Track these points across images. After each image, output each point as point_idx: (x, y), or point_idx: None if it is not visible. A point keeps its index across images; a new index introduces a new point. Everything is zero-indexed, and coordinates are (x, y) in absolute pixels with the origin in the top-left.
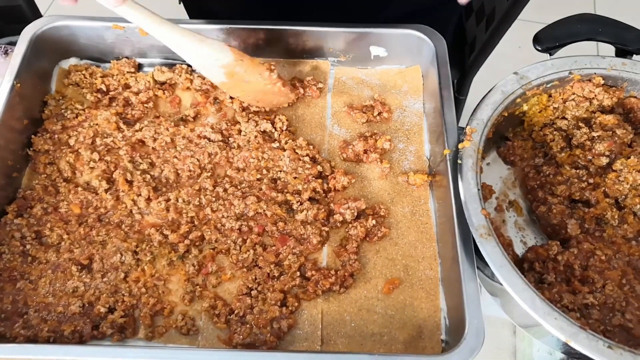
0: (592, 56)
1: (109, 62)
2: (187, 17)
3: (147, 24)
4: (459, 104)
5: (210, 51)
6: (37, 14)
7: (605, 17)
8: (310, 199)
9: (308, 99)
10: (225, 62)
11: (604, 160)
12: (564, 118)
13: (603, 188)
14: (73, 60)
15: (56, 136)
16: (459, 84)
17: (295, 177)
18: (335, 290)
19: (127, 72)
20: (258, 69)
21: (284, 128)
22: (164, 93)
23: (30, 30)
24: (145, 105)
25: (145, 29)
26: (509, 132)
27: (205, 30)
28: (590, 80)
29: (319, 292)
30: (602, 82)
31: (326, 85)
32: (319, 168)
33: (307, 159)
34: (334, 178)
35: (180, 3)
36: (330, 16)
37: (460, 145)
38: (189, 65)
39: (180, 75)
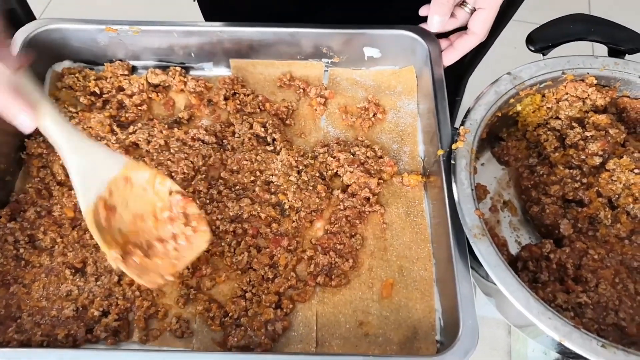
0: (585, 56)
1: (103, 64)
2: (199, 15)
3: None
4: (455, 105)
5: (98, 152)
6: (31, 18)
7: (598, 17)
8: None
9: (303, 99)
10: (111, 175)
11: (597, 160)
12: (557, 118)
13: (596, 188)
14: (66, 63)
15: None
16: (454, 85)
17: (288, 180)
18: (336, 265)
19: (121, 74)
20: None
21: (275, 137)
22: (157, 95)
23: (22, 34)
24: (139, 107)
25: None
26: (503, 133)
27: (197, 32)
28: (583, 80)
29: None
30: (595, 81)
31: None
32: None
33: (301, 158)
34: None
35: (194, 0)
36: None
37: (453, 146)
38: (182, 68)
39: (174, 78)
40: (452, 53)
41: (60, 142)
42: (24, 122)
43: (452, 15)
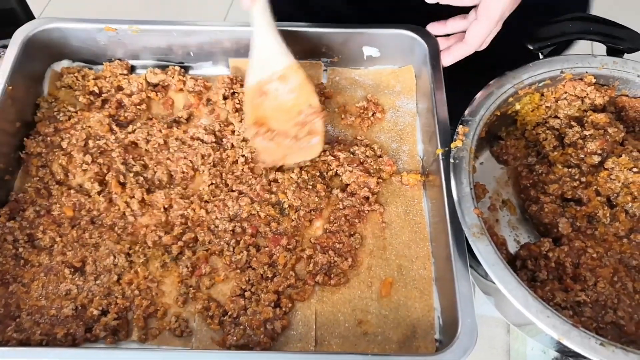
0: (584, 55)
1: (102, 64)
2: (199, 15)
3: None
4: None
5: (276, 46)
6: (30, 17)
7: (596, 16)
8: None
9: None
10: (277, 68)
11: (596, 159)
12: (556, 117)
13: (595, 186)
14: (65, 63)
15: (49, 139)
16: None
17: (288, 179)
18: (336, 263)
19: (120, 74)
20: (306, 98)
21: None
22: (156, 95)
23: (22, 33)
24: (138, 107)
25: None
26: (502, 132)
27: (196, 32)
28: (582, 79)
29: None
30: (594, 80)
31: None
32: None
33: None
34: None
35: None
36: None
37: (452, 145)
38: (181, 67)
39: (173, 77)
40: (448, 56)
41: (258, 27)
42: (245, 3)
43: (464, 15)
